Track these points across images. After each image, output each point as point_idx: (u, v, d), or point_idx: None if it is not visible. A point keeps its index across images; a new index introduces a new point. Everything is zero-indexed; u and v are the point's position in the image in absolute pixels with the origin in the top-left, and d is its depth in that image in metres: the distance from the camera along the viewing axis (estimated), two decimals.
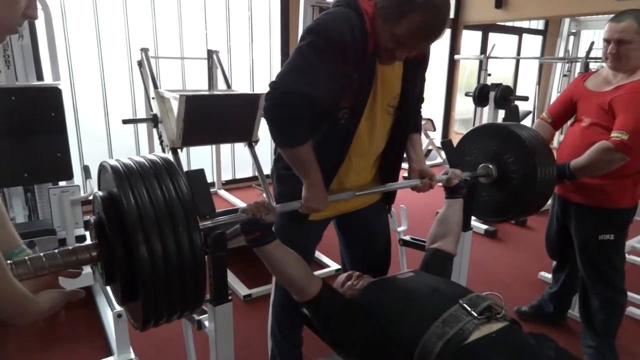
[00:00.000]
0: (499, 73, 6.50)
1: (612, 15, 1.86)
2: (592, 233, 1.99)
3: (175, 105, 3.19)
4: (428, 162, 3.82)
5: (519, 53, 7.07)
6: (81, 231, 2.61)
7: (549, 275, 2.55)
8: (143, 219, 0.91)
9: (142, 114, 4.06)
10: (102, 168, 1.06)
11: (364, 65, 1.33)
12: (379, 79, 1.40)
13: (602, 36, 1.90)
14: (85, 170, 2.74)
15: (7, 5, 0.73)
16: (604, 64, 1.95)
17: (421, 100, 1.69)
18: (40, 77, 3.45)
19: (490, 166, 1.89)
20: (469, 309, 1.17)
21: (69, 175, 2.75)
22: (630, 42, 1.78)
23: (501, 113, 4.31)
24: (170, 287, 0.94)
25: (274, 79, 1.29)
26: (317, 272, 2.89)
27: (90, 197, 2.57)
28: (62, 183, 2.81)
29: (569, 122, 2.18)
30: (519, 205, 1.87)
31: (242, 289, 2.73)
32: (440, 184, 1.72)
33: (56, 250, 0.91)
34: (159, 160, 1.03)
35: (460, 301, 1.20)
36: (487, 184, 1.93)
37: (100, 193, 1.03)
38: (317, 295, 1.33)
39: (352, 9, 1.30)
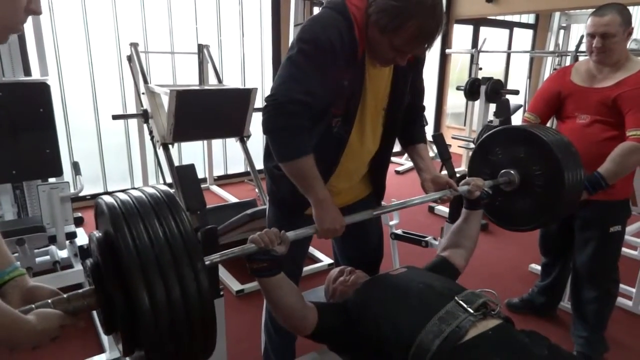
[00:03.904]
0: (490, 67, 6.53)
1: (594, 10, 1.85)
2: (605, 226, 2.00)
3: (165, 100, 3.17)
4: None
5: (509, 47, 7.11)
6: (71, 228, 2.59)
7: (539, 268, 2.57)
8: (143, 263, 0.83)
9: (132, 109, 4.03)
10: (97, 205, 0.97)
11: (354, 71, 1.32)
12: (368, 83, 1.39)
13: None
14: (75, 166, 2.72)
15: (9, 1, 0.68)
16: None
17: (422, 107, 1.64)
18: (27, 72, 3.41)
19: (512, 172, 1.73)
20: (465, 305, 1.17)
21: (58, 172, 2.73)
22: (614, 35, 1.78)
23: (492, 107, 4.33)
24: (176, 339, 0.86)
25: (268, 92, 1.27)
26: (309, 267, 2.90)
27: (80, 194, 2.58)
28: (51, 179, 2.78)
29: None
30: (545, 214, 1.71)
31: (234, 284, 2.72)
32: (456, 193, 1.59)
33: (49, 300, 0.85)
34: (158, 194, 0.95)
35: (456, 297, 1.20)
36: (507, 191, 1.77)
37: (97, 234, 0.95)
38: (318, 324, 1.28)
39: (340, 14, 1.29)
